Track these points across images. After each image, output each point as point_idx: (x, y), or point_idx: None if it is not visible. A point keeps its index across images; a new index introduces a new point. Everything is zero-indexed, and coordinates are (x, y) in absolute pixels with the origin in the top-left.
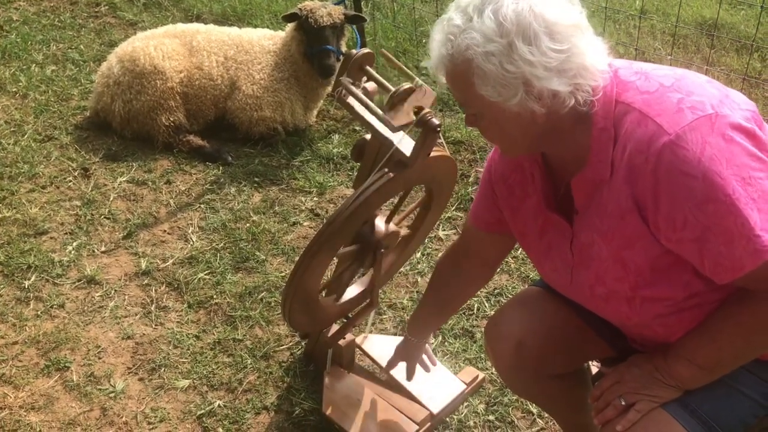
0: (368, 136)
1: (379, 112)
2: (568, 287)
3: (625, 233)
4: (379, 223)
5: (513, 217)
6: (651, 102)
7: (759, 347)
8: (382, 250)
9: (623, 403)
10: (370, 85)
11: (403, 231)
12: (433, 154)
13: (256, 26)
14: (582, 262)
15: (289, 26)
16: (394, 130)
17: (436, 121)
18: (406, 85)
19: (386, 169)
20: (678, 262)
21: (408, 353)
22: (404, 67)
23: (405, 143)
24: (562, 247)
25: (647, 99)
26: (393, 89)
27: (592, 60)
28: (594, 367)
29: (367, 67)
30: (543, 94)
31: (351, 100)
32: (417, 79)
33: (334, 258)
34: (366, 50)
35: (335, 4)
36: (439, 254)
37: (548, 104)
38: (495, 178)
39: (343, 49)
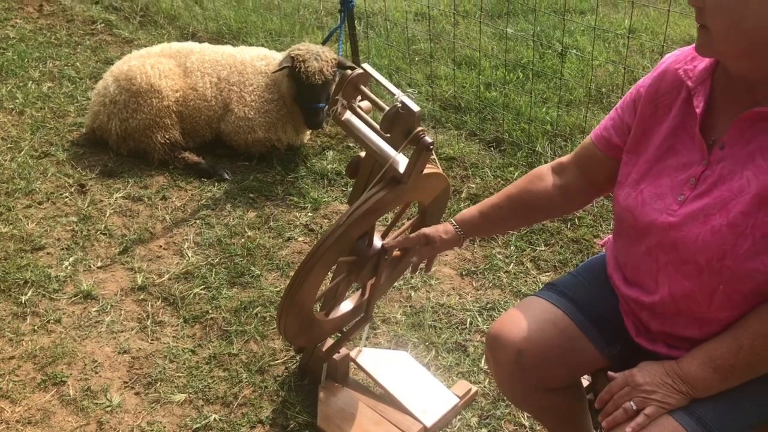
0: (363, 154)
1: (374, 132)
2: (667, 213)
3: None
4: (375, 239)
5: (639, 137)
6: None
7: None
8: (386, 257)
9: (634, 407)
10: (365, 104)
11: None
12: (426, 171)
13: (251, 44)
14: (707, 192)
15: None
16: (387, 148)
17: (428, 139)
18: (398, 105)
19: (380, 186)
20: None
21: (436, 238)
22: (386, 82)
23: (399, 161)
24: (681, 174)
25: None
26: (387, 108)
27: None
28: (584, 380)
29: (362, 87)
30: None
31: (346, 118)
32: (398, 94)
33: (329, 273)
34: (361, 70)
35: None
36: (432, 269)
37: None
38: (646, 96)
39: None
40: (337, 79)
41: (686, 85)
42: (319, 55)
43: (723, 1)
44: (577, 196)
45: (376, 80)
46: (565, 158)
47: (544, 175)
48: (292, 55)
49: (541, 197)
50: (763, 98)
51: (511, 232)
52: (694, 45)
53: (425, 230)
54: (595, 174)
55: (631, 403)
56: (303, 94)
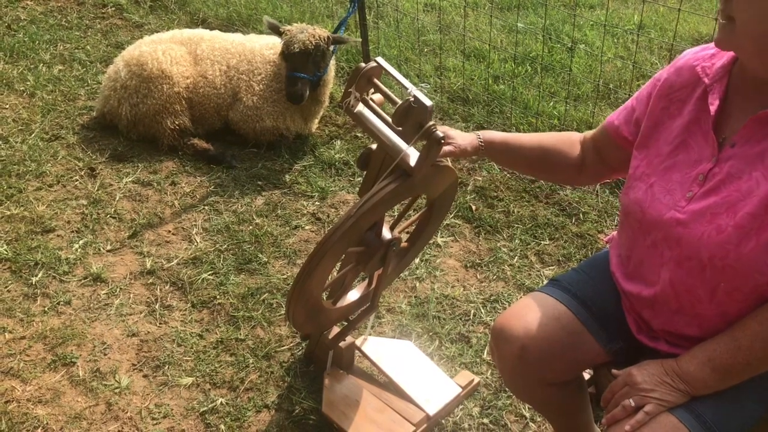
0: (374, 146)
1: (386, 126)
2: (675, 209)
3: None
4: (384, 230)
5: (650, 131)
6: None
7: None
8: (393, 249)
9: (633, 404)
10: (377, 97)
11: (405, 237)
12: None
13: (260, 32)
14: (715, 190)
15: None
16: (399, 141)
17: (440, 133)
18: (411, 99)
19: (391, 178)
20: None
21: (464, 145)
22: (399, 76)
23: (410, 154)
24: (691, 170)
25: None
26: (399, 102)
27: None
28: (586, 374)
29: (375, 80)
30: None
31: (358, 111)
32: (411, 88)
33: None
34: (374, 63)
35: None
36: (438, 260)
37: None
38: (660, 90)
39: (330, 71)
40: (325, 54)
41: (703, 82)
42: (307, 29)
43: (749, 25)
44: (590, 172)
45: (389, 73)
46: (589, 133)
47: (574, 142)
48: (284, 29)
49: (565, 161)
50: (761, 102)
51: (517, 225)
52: (714, 41)
53: (448, 130)
54: (608, 156)
55: (630, 400)
56: (287, 65)
